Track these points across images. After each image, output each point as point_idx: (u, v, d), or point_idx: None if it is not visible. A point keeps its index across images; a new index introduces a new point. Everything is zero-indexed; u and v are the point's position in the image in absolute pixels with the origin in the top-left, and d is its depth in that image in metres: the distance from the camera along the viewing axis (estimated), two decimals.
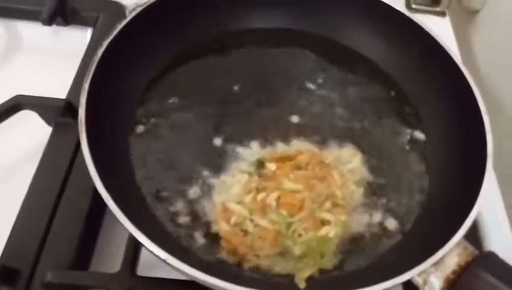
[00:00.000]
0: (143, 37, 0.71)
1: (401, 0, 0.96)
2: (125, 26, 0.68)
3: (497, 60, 0.88)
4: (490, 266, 0.55)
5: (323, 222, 0.60)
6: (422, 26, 0.71)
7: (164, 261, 0.50)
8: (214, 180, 0.64)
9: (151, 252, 0.50)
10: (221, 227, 0.60)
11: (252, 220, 0.60)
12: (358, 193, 0.64)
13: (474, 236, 0.67)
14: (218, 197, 0.62)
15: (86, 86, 0.61)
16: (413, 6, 0.93)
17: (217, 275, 0.50)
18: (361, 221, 0.62)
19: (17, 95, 0.71)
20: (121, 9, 0.88)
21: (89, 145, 0.56)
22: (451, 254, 0.55)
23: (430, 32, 0.71)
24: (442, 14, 0.93)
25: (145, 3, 0.71)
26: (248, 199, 0.61)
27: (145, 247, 0.50)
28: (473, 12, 0.94)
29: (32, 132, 0.73)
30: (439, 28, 0.74)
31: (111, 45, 0.66)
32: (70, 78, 0.77)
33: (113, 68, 0.66)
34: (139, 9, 0.70)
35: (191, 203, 0.62)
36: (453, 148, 0.67)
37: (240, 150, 0.66)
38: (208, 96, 0.72)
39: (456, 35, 0.90)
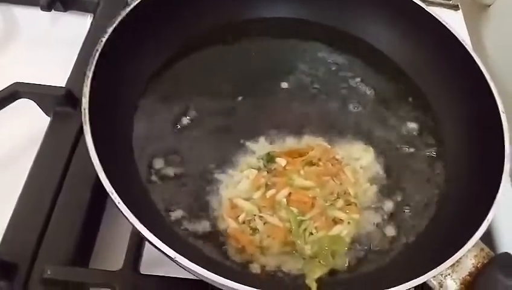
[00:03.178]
0: (147, 25, 0.68)
1: None
2: (128, 13, 0.65)
3: (508, 54, 0.86)
4: (506, 268, 0.54)
5: (336, 221, 0.58)
6: (438, 18, 0.70)
7: (173, 259, 0.48)
8: (221, 175, 0.61)
9: (160, 250, 0.48)
10: (229, 224, 0.58)
11: (261, 217, 0.58)
12: (371, 191, 0.62)
13: (488, 237, 0.65)
14: (225, 193, 0.60)
15: (90, 74, 0.58)
16: None
17: (225, 275, 0.48)
18: (374, 220, 0.60)
19: (15, 83, 0.68)
20: None
21: (93, 136, 0.54)
22: (468, 256, 0.54)
23: (446, 25, 0.69)
24: (455, 7, 0.91)
25: None
26: (257, 195, 0.59)
27: (153, 245, 0.48)
28: (484, 6, 0.92)
29: (29, 121, 0.71)
30: (452, 21, 0.72)
31: (114, 33, 0.63)
32: (68, 66, 0.75)
33: (116, 57, 0.64)
34: None
35: (197, 198, 0.60)
36: (469, 147, 0.65)
37: (248, 144, 0.64)
38: (215, 86, 0.70)
39: (467, 29, 0.89)
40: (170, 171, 0.61)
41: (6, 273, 0.56)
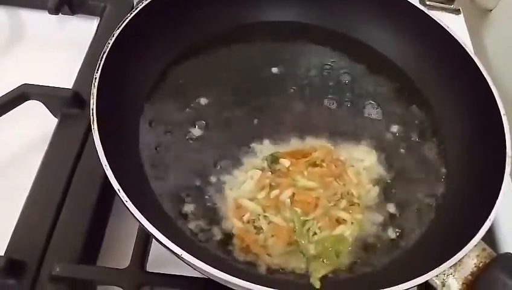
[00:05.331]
0: (153, 28, 0.70)
1: None
2: (135, 16, 0.66)
3: (510, 58, 0.87)
4: (508, 268, 0.55)
5: (339, 221, 0.59)
6: (440, 22, 0.70)
7: (179, 256, 0.48)
8: (226, 176, 0.62)
9: (166, 247, 0.49)
10: (234, 224, 0.58)
11: (265, 217, 0.58)
12: (373, 192, 0.63)
13: (490, 237, 0.66)
14: (230, 193, 0.61)
15: (97, 75, 0.59)
16: (428, 2, 0.92)
17: (230, 273, 0.48)
18: (377, 221, 0.61)
19: (23, 84, 0.69)
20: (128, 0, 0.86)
21: (100, 136, 0.55)
22: (470, 256, 0.54)
23: (447, 29, 0.70)
24: (456, 11, 0.92)
25: None
26: (261, 195, 0.60)
27: (160, 242, 0.49)
28: (486, 11, 0.93)
29: (37, 122, 0.72)
30: (454, 25, 0.72)
31: (121, 35, 0.64)
32: (75, 69, 0.76)
33: (123, 59, 0.65)
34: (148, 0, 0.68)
35: (202, 198, 0.61)
36: (471, 148, 0.66)
37: (253, 145, 0.65)
38: (220, 88, 0.70)
39: (469, 33, 0.89)
40: (177, 171, 0.62)
41: (15, 271, 0.57)
